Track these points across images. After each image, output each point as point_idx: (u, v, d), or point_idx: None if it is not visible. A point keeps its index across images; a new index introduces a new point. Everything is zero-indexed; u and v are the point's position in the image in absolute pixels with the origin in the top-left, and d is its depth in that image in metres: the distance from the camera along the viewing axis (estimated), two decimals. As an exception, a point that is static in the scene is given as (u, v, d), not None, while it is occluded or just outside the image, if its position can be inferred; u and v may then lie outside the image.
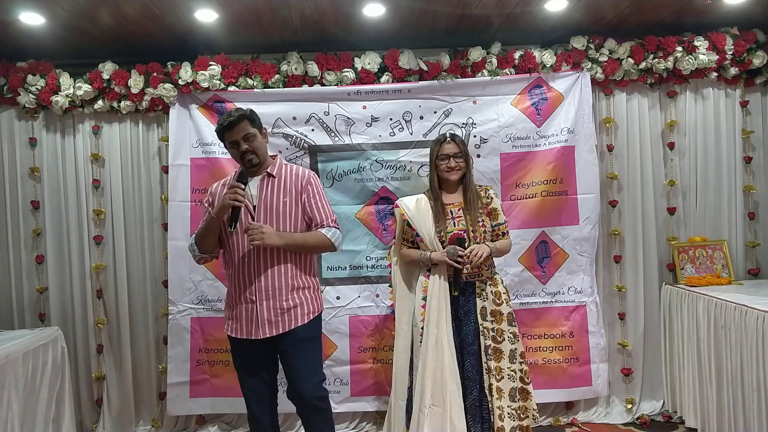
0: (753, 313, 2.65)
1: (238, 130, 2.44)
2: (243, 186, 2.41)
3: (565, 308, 3.46)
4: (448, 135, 2.89)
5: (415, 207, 2.81)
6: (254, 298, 2.46)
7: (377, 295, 3.42)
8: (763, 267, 3.63)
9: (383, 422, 3.40)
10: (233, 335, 2.54)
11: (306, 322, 2.50)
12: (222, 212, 2.42)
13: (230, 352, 2.64)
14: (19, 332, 3.11)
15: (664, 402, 3.54)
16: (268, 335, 2.45)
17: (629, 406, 3.52)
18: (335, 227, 2.56)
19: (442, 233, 2.77)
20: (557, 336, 3.45)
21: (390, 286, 3.19)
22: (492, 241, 2.83)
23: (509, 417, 2.67)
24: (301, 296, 2.51)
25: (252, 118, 2.50)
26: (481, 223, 2.78)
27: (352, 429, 3.46)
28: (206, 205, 2.64)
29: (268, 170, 2.54)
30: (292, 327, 2.47)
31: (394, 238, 3.07)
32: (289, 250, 2.48)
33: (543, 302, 3.46)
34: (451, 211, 2.82)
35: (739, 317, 2.75)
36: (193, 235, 2.60)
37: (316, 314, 2.57)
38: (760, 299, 2.80)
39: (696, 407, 3.19)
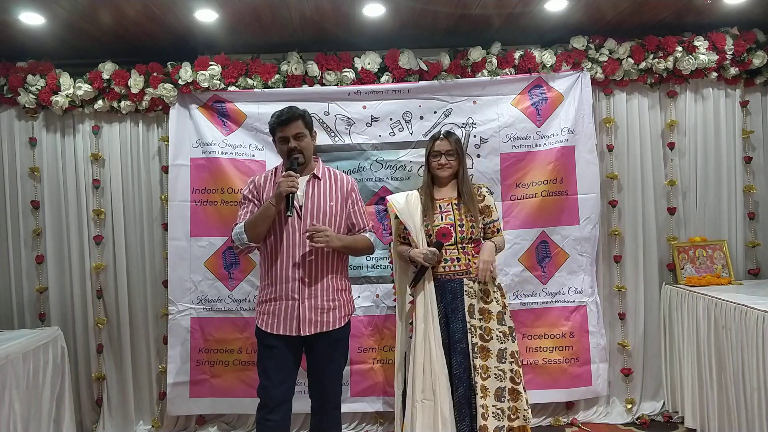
0: (753, 313, 2.65)
1: (292, 127, 2.52)
2: (296, 173, 2.44)
3: (565, 308, 3.45)
4: (442, 132, 2.92)
5: (405, 202, 2.86)
6: (296, 296, 2.49)
7: (377, 295, 3.42)
8: (763, 267, 3.63)
9: (383, 423, 3.42)
10: (269, 331, 2.51)
11: (343, 325, 2.59)
12: (281, 199, 2.43)
13: (259, 347, 2.59)
14: (19, 332, 3.10)
15: (664, 402, 3.54)
16: (309, 333, 2.49)
17: (629, 406, 3.52)
18: (373, 231, 2.74)
19: (429, 227, 2.80)
20: (557, 336, 3.44)
21: (393, 282, 3.19)
22: (485, 238, 2.86)
23: (494, 416, 2.68)
24: (340, 297, 2.59)
25: (306, 119, 2.58)
26: (469, 219, 2.80)
27: (352, 429, 3.46)
28: (250, 196, 2.61)
29: (314, 172, 2.60)
30: (330, 328, 2.53)
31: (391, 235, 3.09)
32: (342, 252, 2.58)
33: (543, 302, 3.45)
34: (440, 205, 2.85)
35: (740, 317, 2.75)
36: (240, 224, 2.53)
37: (350, 316, 2.66)
38: (760, 299, 2.80)
39: (696, 407, 3.19)
